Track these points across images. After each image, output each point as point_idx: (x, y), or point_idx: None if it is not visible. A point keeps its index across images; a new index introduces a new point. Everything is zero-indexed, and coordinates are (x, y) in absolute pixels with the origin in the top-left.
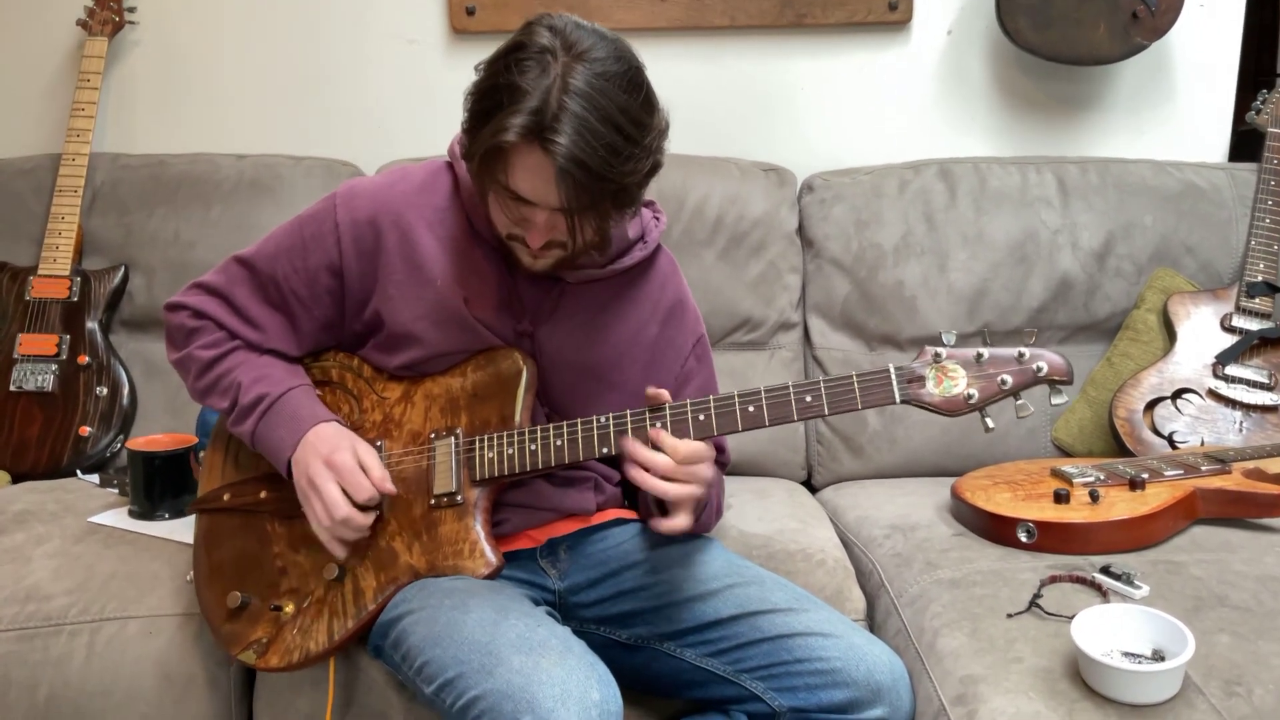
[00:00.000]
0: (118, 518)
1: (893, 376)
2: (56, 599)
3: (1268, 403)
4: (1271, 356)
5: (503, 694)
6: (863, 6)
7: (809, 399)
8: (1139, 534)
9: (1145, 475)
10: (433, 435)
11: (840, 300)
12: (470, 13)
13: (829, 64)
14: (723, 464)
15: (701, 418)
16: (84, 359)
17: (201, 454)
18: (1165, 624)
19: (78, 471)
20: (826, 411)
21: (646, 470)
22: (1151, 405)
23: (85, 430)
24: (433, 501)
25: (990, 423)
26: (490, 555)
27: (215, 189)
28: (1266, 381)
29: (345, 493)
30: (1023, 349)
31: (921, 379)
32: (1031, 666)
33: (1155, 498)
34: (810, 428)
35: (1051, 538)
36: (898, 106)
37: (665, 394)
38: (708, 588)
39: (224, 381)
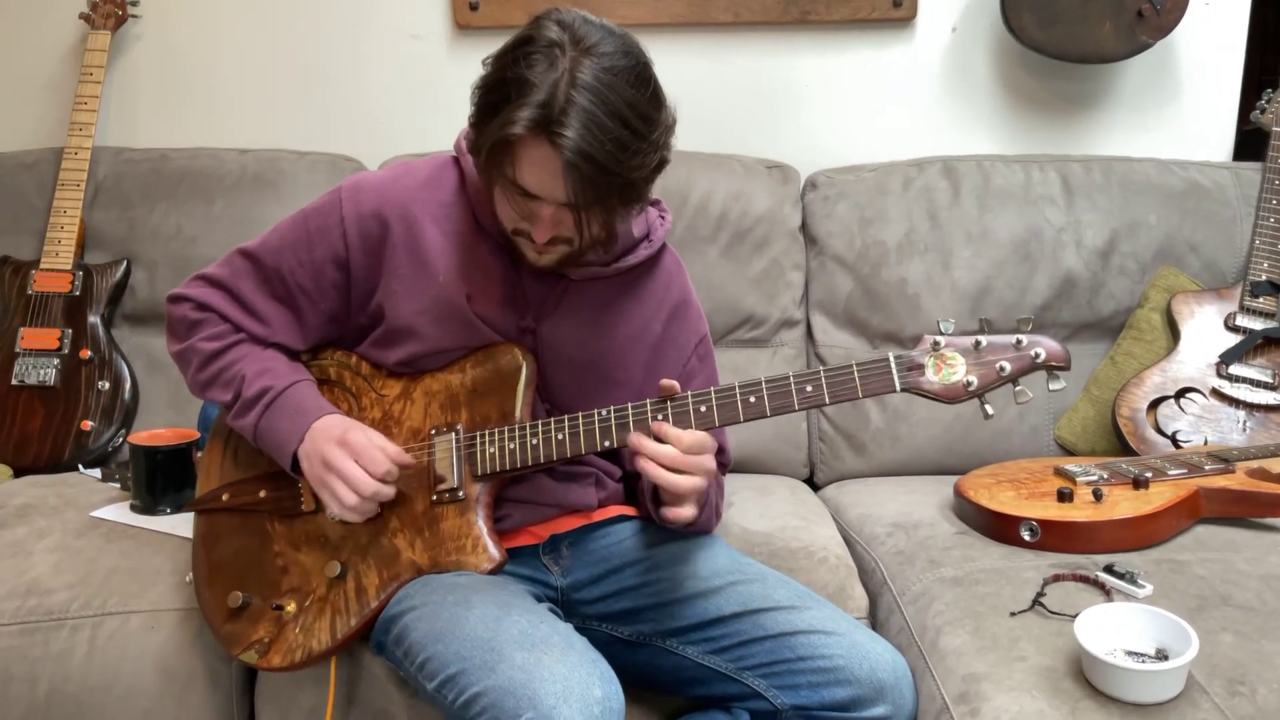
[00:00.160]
0: (119, 512)
1: (892, 365)
2: (58, 593)
3: (1271, 402)
4: (1275, 356)
5: (505, 690)
6: (867, 3)
7: (810, 388)
8: (1142, 533)
9: (1149, 474)
10: (433, 431)
11: (843, 298)
12: (473, 8)
13: (833, 61)
14: (723, 464)
15: (703, 409)
16: (86, 353)
17: (199, 453)
18: (1169, 623)
19: (79, 466)
20: (827, 400)
21: (652, 461)
22: (1155, 404)
23: (87, 424)
24: (434, 497)
25: (989, 409)
26: (493, 550)
27: (218, 183)
28: (1270, 381)
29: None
30: (1020, 336)
31: (921, 367)
32: (1035, 665)
33: (1159, 497)
34: (813, 425)
35: (1055, 536)
36: (902, 104)
37: (677, 385)
38: (710, 585)
39: (226, 374)
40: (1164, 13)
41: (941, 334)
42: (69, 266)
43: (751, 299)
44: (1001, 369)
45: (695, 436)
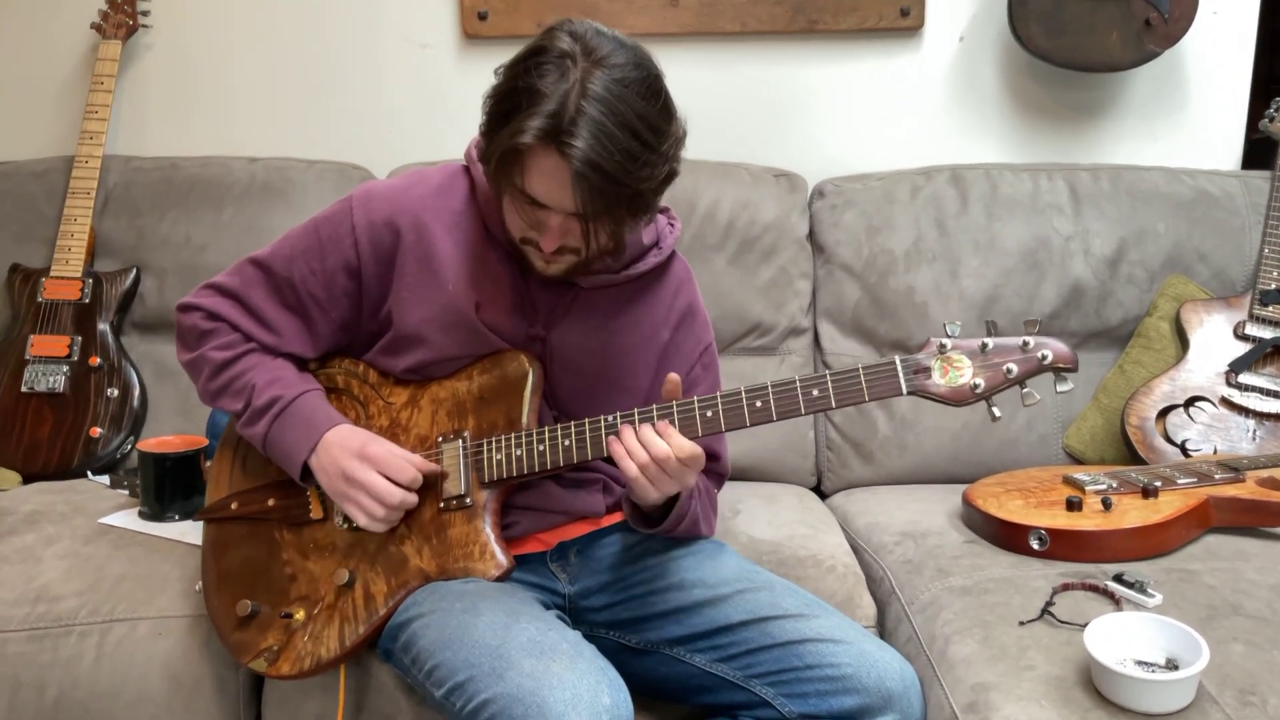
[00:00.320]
0: (128, 519)
1: (899, 368)
2: (66, 600)
3: None
4: None
5: (513, 698)
6: (874, 13)
7: (816, 393)
8: (1152, 542)
9: (1158, 483)
10: (440, 438)
11: (851, 306)
12: (482, 17)
13: (840, 70)
14: (719, 474)
15: (710, 414)
16: (95, 360)
17: (209, 463)
18: (1179, 633)
19: (88, 473)
20: (834, 404)
21: (630, 459)
22: (1164, 413)
23: (96, 431)
24: (442, 504)
25: (997, 411)
26: (501, 557)
27: (227, 192)
28: None
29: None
30: (1027, 338)
31: (927, 370)
32: (1044, 674)
33: (1168, 506)
34: (820, 433)
35: (1064, 545)
36: (909, 113)
37: (678, 380)
38: (718, 593)
39: (237, 384)
40: (1172, 21)
41: (948, 337)
42: (79, 274)
43: (759, 307)
44: (1009, 371)
45: (695, 449)
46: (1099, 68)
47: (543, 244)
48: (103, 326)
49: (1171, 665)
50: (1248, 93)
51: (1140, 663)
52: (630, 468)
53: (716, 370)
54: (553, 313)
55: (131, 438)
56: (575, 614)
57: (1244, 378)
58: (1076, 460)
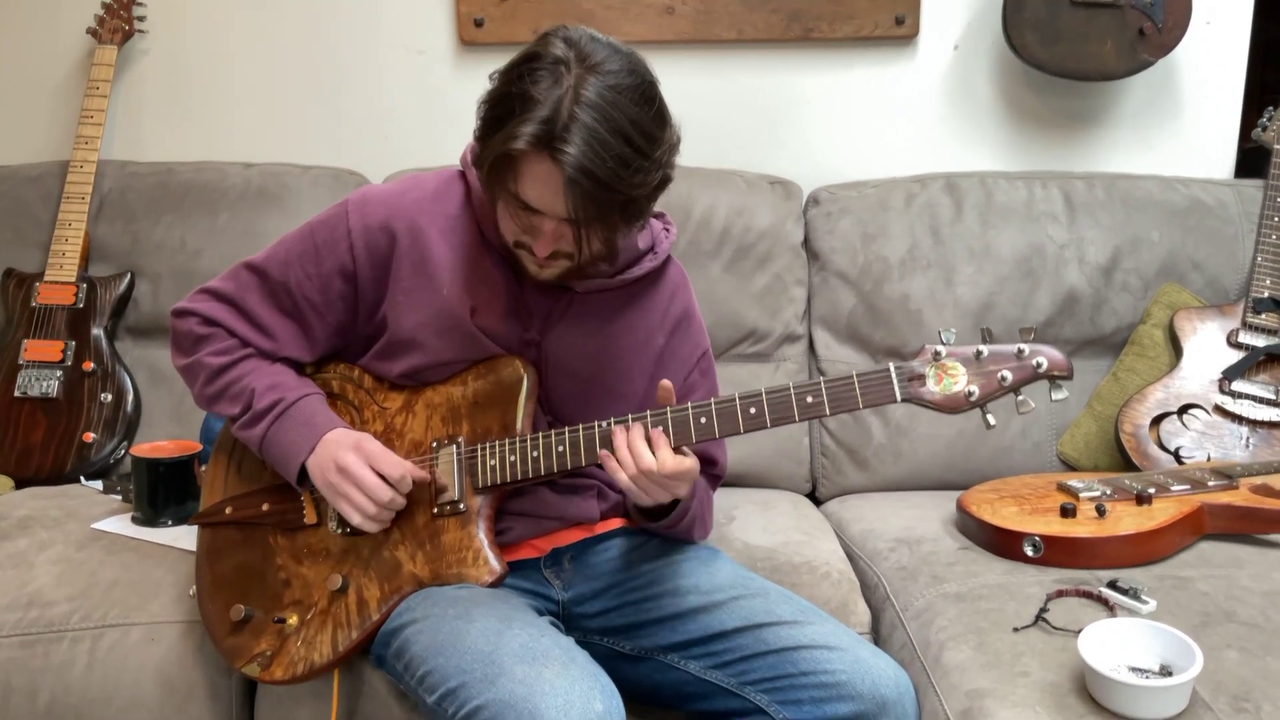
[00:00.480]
0: (121, 524)
1: (893, 375)
2: (59, 605)
3: (1274, 418)
4: (1278, 372)
5: (505, 704)
6: (870, 21)
7: (810, 399)
8: (1146, 549)
9: (1152, 490)
10: (434, 444)
11: (846, 313)
12: (478, 24)
13: (836, 78)
14: (716, 477)
15: (704, 420)
16: (89, 365)
17: (204, 468)
18: (1173, 639)
19: (81, 478)
20: (828, 411)
21: (621, 470)
22: (1157, 420)
23: (89, 436)
24: (435, 510)
25: (991, 419)
26: (494, 562)
27: (222, 197)
28: (1273, 397)
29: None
30: (1022, 345)
31: (922, 377)
32: (1038, 681)
33: (1162, 512)
34: (815, 440)
35: (1058, 552)
36: (904, 121)
37: (671, 386)
38: (712, 599)
39: (235, 388)
40: (1165, 31)
41: (942, 344)
42: (73, 279)
43: (754, 314)
44: (1003, 379)
45: (679, 466)
46: (1093, 76)
47: (536, 249)
48: (97, 331)
49: (1165, 671)
50: (1241, 102)
51: (1134, 669)
52: (622, 478)
53: (714, 376)
54: (547, 318)
55: (125, 443)
56: (569, 620)
57: (1237, 385)
58: (1071, 467)
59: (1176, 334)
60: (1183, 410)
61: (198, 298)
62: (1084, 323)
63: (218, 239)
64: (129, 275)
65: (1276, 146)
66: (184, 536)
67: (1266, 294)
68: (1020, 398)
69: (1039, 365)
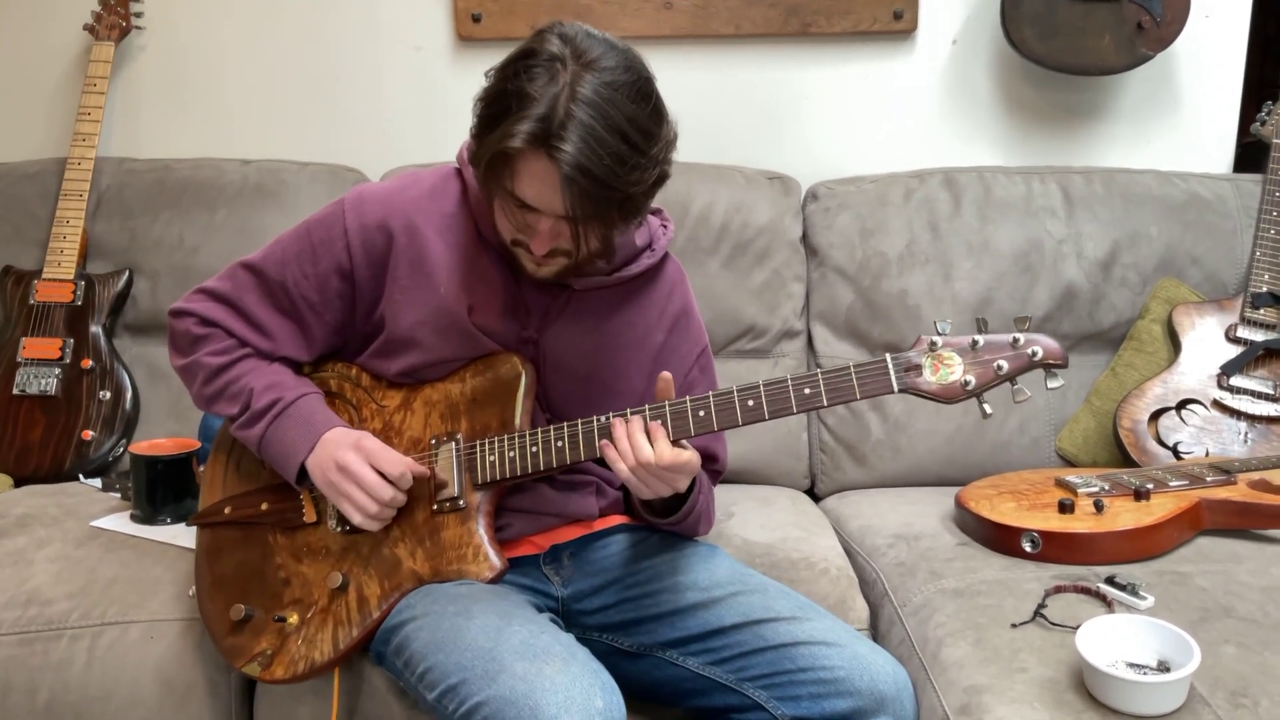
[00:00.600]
0: (119, 522)
1: (890, 366)
2: (57, 603)
3: (1273, 414)
4: (1276, 368)
5: (506, 700)
6: (868, 16)
7: (807, 391)
8: (1144, 544)
9: (1150, 486)
10: (433, 441)
11: (844, 309)
12: (476, 20)
13: (834, 73)
14: (716, 472)
15: (702, 413)
16: (87, 363)
17: (202, 467)
18: (1171, 635)
19: (80, 475)
20: (825, 402)
21: (621, 460)
22: (1156, 416)
23: (88, 434)
24: (435, 506)
25: (988, 408)
26: (494, 558)
27: (220, 194)
28: (1271, 393)
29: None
30: (1017, 334)
31: (918, 367)
32: (1036, 677)
33: (1160, 508)
34: (813, 436)
35: (1056, 548)
36: (903, 115)
37: (671, 379)
38: (711, 595)
39: (233, 388)
40: (1164, 25)
41: (938, 334)
42: (71, 276)
43: (752, 310)
44: (999, 368)
45: (677, 459)
46: (1091, 71)
47: (533, 247)
48: (95, 329)
49: (1163, 667)
50: (1239, 96)
51: (1132, 665)
52: (622, 468)
53: (713, 373)
54: (545, 315)
55: (123, 440)
56: (568, 617)
57: (1235, 380)
58: (1069, 463)
59: (1175, 329)
60: (1181, 405)
61: (195, 298)
62: (1082, 318)
63: (215, 236)
64: (127, 272)
65: (1275, 141)
66: (183, 534)
67: (1265, 289)
68: (1016, 387)
69: (1034, 354)
